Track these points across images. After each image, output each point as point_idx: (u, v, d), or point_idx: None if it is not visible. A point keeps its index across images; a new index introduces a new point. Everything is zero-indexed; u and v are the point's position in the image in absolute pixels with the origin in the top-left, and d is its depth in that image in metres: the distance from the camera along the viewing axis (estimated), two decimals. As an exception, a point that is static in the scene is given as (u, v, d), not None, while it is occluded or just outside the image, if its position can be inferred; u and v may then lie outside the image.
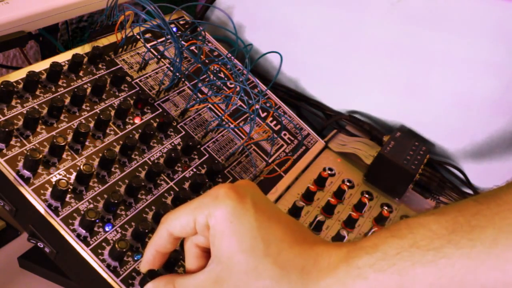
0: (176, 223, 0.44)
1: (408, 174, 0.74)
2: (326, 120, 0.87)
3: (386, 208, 0.71)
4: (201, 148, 0.63)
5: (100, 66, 0.62)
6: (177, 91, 0.67)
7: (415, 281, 0.38)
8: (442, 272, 0.38)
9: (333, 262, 0.41)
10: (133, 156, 0.56)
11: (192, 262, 0.45)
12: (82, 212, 0.49)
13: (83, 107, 0.57)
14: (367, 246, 0.41)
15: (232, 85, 0.71)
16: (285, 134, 0.73)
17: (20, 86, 0.54)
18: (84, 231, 0.48)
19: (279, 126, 0.74)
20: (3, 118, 0.51)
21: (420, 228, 0.40)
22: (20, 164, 0.49)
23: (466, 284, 0.38)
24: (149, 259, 0.46)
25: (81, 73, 0.60)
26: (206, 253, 0.45)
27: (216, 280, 0.42)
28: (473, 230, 0.38)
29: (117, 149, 0.56)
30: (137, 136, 0.58)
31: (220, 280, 0.42)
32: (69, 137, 0.53)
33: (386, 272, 0.39)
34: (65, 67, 0.59)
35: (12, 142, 0.50)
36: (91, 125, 0.56)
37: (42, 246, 0.49)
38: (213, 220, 0.42)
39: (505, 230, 0.37)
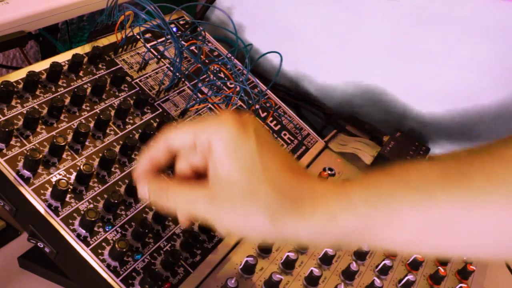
0: (178, 136, 0.46)
1: (408, 174, 0.73)
2: (326, 120, 0.87)
3: (386, 208, 0.71)
4: (201, 148, 0.63)
5: (100, 66, 0.62)
6: (177, 91, 0.67)
7: (402, 220, 0.40)
8: (429, 215, 0.39)
9: (326, 193, 0.42)
10: (133, 156, 0.56)
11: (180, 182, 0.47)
12: (82, 212, 0.49)
13: (83, 107, 0.57)
14: (361, 181, 0.42)
15: (232, 85, 0.71)
16: (285, 134, 0.73)
17: (20, 86, 0.54)
18: (84, 231, 0.48)
19: (279, 126, 0.73)
20: (3, 118, 0.51)
21: (414, 171, 0.41)
22: (20, 164, 0.49)
23: (451, 230, 0.39)
24: (142, 165, 0.47)
25: (81, 73, 0.60)
26: (195, 178, 0.46)
27: (213, 197, 0.43)
28: (464, 178, 0.39)
29: (117, 149, 0.56)
30: (137, 136, 0.58)
31: (217, 198, 0.43)
32: (69, 137, 0.53)
33: (376, 208, 0.40)
34: (65, 67, 0.59)
35: (12, 142, 0.50)
36: (91, 125, 0.56)
37: (42, 246, 0.49)
38: (216, 141, 0.43)
39: (494, 180, 0.38)
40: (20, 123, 0.52)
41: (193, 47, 0.74)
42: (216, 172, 0.43)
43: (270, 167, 0.43)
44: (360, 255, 0.62)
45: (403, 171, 0.41)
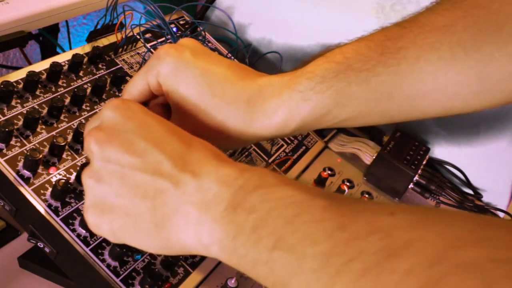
0: (134, 89, 0.49)
1: (408, 174, 0.74)
2: (326, 120, 0.87)
3: (386, 208, 0.71)
4: (201, 148, 0.63)
5: (100, 66, 0.62)
6: (177, 91, 0.67)
7: (351, 98, 0.44)
8: (374, 88, 0.44)
9: (276, 90, 0.46)
10: (133, 156, 0.56)
11: None
12: (82, 212, 0.49)
13: (83, 107, 0.57)
14: (306, 72, 0.45)
15: (232, 85, 0.71)
16: (285, 134, 0.73)
17: (20, 86, 0.54)
18: (84, 231, 0.48)
19: (279, 126, 0.74)
20: (3, 118, 0.51)
21: (353, 53, 0.45)
22: (20, 164, 0.49)
23: (394, 96, 0.44)
24: None
25: (81, 73, 0.60)
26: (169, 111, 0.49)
27: (178, 123, 0.45)
28: (399, 51, 0.44)
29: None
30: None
31: (181, 125, 0.45)
32: (69, 137, 0.53)
33: (326, 93, 0.44)
34: (65, 67, 0.59)
35: (12, 142, 0.50)
36: (91, 125, 0.56)
37: (42, 246, 0.49)
38: (161, 78, 0.46)
39: (426, 48, 0.43)
40: (20, 123, 0.52)
41: (193, 47, 0.74)
42: (173, 106, 0.47)
43: (215, 82, 0.46)
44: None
45: (342, 56, 0.45)
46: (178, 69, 0.46)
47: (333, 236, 0.31)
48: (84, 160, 0.53)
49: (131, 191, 0.40)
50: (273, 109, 0.45)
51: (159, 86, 0.47)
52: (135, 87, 0.49)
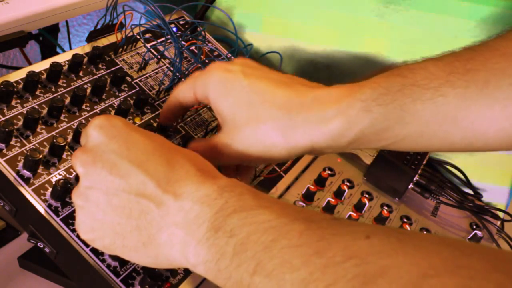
0: (182, 93, 0.52)
1: (408, 174, 0.74)
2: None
3: (386, 208, 0.71)
4: (201, 148, 0.63)
5: (100, 66, 0.62)
6: (177, 91, 0.67)
7: (414, 116, 0.42)
8: (439, 108, 0.42)
9: (334, 98, 0.43)
10: (133, 156, 0.56)
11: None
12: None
13: (83, 107, 0.57)
14: (370, 82, 0.43)
15: (232, 85, 0.71)
16: (285, 134, 0.73)
17: (20, 86, 0.54)
18: (84, 231, 0.48)
19: (279, 126, 0.74)
20: (3, 118, 0.51)
21: (421, 70, 0.43)
22: (20, 164, 0.49)
23: (458, 120, 0.42)
24: (164, 116, 0.57)
25: (81, 73, 0.60)
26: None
27: (226, 139, 0.47)
28: (468, 72, 0.41)
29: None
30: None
31: (230, 137, 0.47)
32: (69, 137, 0.53)
33: (388, 106, 0.42)
34: (65, 67, 0.59)
35: (12, 142, 0.50)
36: (91, 125, 0.56)
37: (42, 246, 0.49)
38: (208, 90, 0.48)
39: (496, 73, 0.41)
40: (20, 123, 0.52)
41: (193, 47, 0.74)
42: (222, 117, 0.47)
43: (265, 90, 0.45)
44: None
45: (409, 71, 0.43)
46: (227, 80, 0.47)
47: (309, 262, 0.32)
48: (84, 160, 0.53)
49: (117, 212, 0.41)
50: (330, 116, 0.43)
51: (205, 99, 0.49)
52: (182, 91, 0.52)
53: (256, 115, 0.45)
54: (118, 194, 0.41)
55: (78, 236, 0.47)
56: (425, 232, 0.69)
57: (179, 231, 0.39)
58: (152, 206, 0.40)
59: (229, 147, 0.47)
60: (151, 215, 0.40)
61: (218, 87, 0.47)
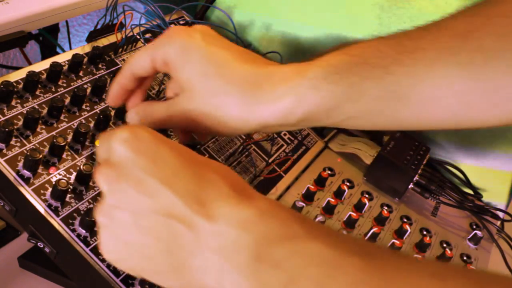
0: (137, 63, 0.49)
1: (408, 174, 0.74)
2: (326, 120, 0.86)
3: (386, 208, 0.71)
4: (201, 148, 0.63)
5: (100, 66, 0.62)
6: (177, 91, 0.67)
7: (363, 94, 0.42)
8: (387, 87, 0.42)
9: (286, 76, 0.44)
10: (133, 156, 0.56)
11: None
12: (82, 212, 0.49)
13: (83, 107, 0.57)
14: (320, 61, 0.44)
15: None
16: (285, 134, 0.73)
17: (20, 86, 0.54)
18: (84, 231, 0.48)
19: (279, 126, 0.74)
20: (3, 118, 0.51)
21: (371, 48, 0.43)
22: (20, 164, 0.49)
23: (406, 98, 0.42)
24: (114, 95, 0.52)
25: (81, 73, 0.60)
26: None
27: (183, 103, 0.47)
28: (416, 51, 0.42)
29: (117, 149, 0.56)
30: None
31: (187, 102, 0.46)
32: (69, 137, 0.53)
33: (337, 85, 0.42)
34: (65, 67, 0.59)
35: (12, 142, 0.50)
36: (91, 125, 0.56)
37: (42, 246, 0.49)
38: (168, 55, 0.46)
39: (444, 52, 0.41)
40: (20, 123, 0.52)
41: (193, 47, 0.74)
42: (180, 84, 0.47)
43: (223, 62, 0.45)
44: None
45: (359, 50, 0.43)
46: (186, 49, 0.46)
47: None
48: (84, 161, 0.53)
49: (145, 233, 0.38)
50: (280, 94, 0.44)
51: (164, 65, 0.48)
52: (139, 61, 0.49)
53: (211, 88, 0.45)
54: (145, 215, 0.37)
55: (78, 236, 0.48)
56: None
57: (213, 256, 0.35)
58: (183, 228, 0.36)
59: (185, 115, 0.47)
60: (182, 238, 0.36)
61: (178, 53, 0.46)
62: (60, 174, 0.51)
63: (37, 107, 0.54)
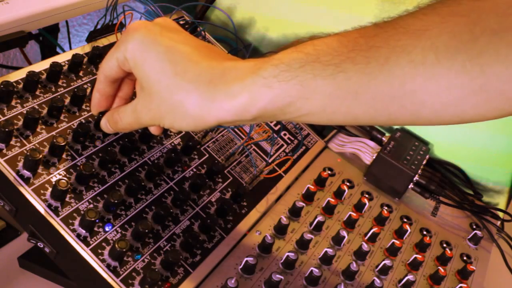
0: (106, 65, 0.50)
1: (408, 174, 0.74)
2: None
3: (386, 208, 0.71)
4: (201, 148, 0.63)
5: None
6: (177, 91, 0.67)
7: (315, 92, 0.43)
8: (339, 84, 0.43)
9: (240, 74, 0.45)
10: (133, 156, 0.56)
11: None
12: (82, 212, 0.49)
13: (83, 107, 0.57)
14: (273, 59, 0.45)
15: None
16: (285, 134, 0.73)
17: (20, 86, 0.54)
18: (84, 231, 0.48)
19: (279, 126, 0.74)
20: (3, 118, 0.51)
21: (324, 46, 0.44)
22: (20, 164, 0.49)
23: (359, 95, 0.43)
24: (95, 102, 0.52)
25: (81, 73, 0.60)
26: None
27: (144, 102, 0.48)
28: (370, 49, 0.42)
29: (117, 149, 0.56)
30: (137, 136, 0.58)
31: (148, 101, 0.47)
32: (69, 137, 0.53)
33: (289, 83, 0.43)
34: (65, 67, 0.59)
35: (12, 142, 0.50)
36: (91, 125, 0.56)
37: (42, 246, 0.49)
38: (127, 53, 0.47)
39: (397, 50, 0.41)
40: (20, 123, 0.52)
41: (193, 47, 0.74)
42: (140, 82, 0.48)
43: (179, 60, 0.46)
44: (361, 255, 0.62)
45: (312, 48, 0.44)
46: (145, 45, 0.46)
47: None
48: (84, 160, 0.53)
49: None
50: (235, 92, 0.44)
51: (127, 63, 0.48)
52: (106, 63, 0.49)
53: (167, 86, 0.45)
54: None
55: (78, 236, 0.48)
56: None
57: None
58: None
59: (148, 114, 0.48)
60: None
61: (136, 51, 0.46)
62: (60, 174, 0.51)
63: (37, 107, 0.54)
